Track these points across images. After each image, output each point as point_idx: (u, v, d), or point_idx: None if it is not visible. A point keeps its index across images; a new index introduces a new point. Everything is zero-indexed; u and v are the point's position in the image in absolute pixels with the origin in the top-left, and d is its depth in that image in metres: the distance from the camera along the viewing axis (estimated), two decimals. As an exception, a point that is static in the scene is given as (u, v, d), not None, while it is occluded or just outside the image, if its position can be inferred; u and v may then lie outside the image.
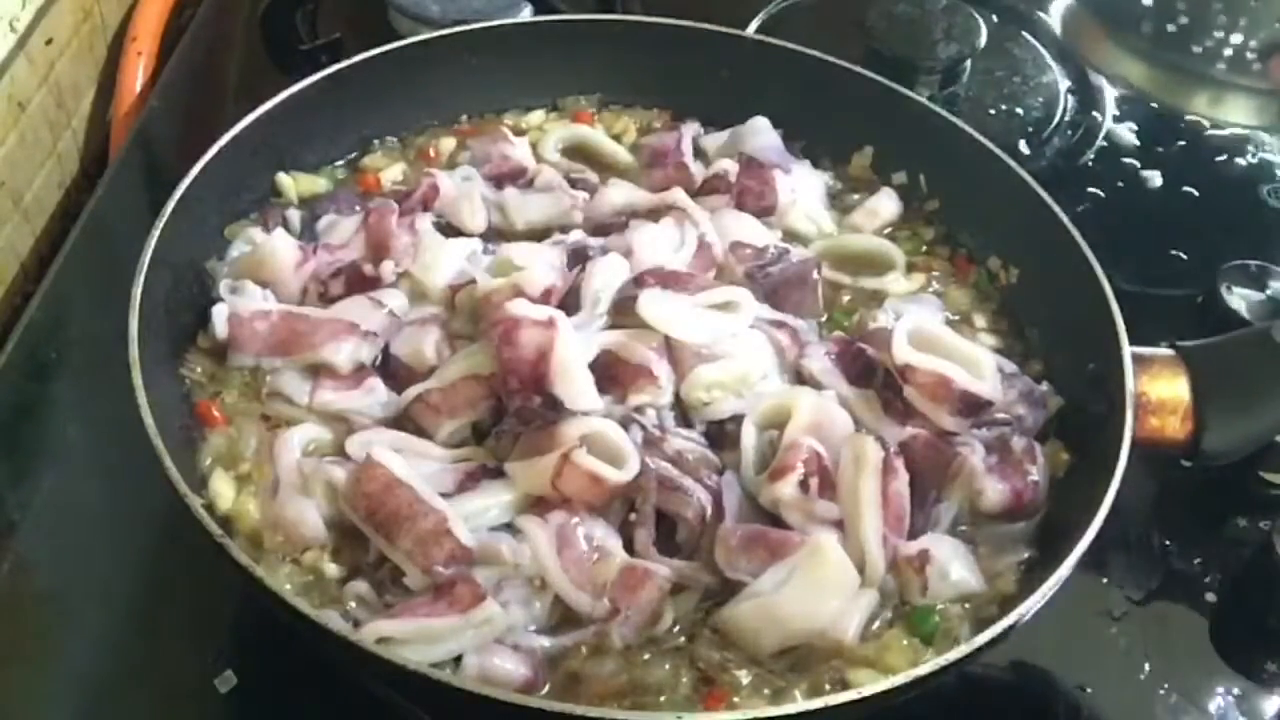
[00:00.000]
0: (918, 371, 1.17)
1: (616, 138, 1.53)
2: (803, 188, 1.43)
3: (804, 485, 1.09)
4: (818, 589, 1.05)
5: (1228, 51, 1.50)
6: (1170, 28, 1.52)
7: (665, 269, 1.22)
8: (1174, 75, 1.59)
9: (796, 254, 1.32)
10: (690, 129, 1.50)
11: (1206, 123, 1.62)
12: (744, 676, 1.05)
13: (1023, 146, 1.71)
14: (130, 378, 1.08)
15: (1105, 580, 1.28)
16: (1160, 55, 1.58)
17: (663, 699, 1.04)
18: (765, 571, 1.06)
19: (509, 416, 1.12)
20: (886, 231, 1.45)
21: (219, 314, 1.21)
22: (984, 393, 1.18)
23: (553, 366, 1.10)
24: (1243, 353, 1.22)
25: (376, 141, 1.49)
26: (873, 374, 1.21)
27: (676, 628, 1.08)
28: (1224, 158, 1.73)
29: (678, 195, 1.34)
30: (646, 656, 1.06)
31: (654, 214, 1.32)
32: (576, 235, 1.30)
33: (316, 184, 1.43)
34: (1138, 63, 1.61)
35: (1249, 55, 1.48)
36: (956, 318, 1.37)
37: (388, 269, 1.27)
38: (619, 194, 1.38)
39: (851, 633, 1.05)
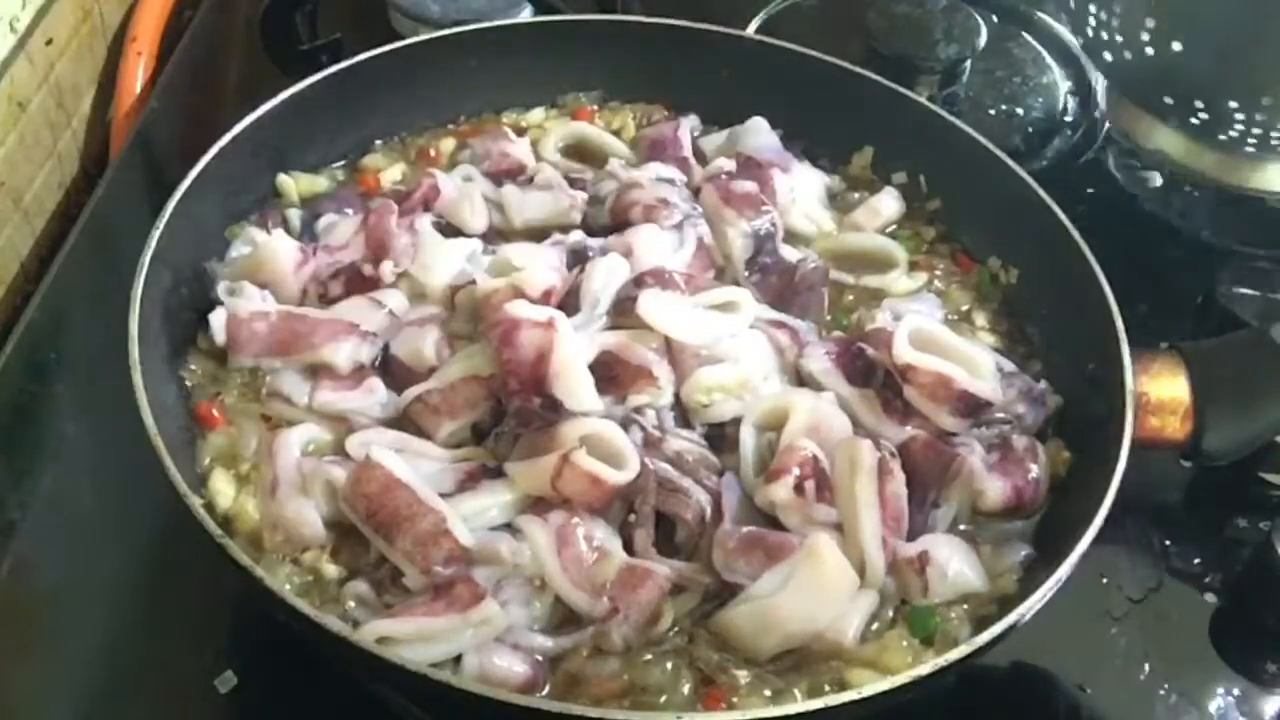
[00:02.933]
0: (918, 371, 1.17)
1: (616, 133, 1.53)
2: (801, 187, 1.43)
3: (799, 488, 1.09)
4: (816, 592, 1.05)
5: (1252, 141, 1.53)
6: (1194, 120, 1.55)
7: (665, 269, 1.22)
8: (1212, 153, 1.61)
9: (811, 260, 1.32)
10: (689, 121, 1.50)
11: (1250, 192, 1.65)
12: (743, 677, 1.05)
13: (1022, 146, 1.71)
14: (130, 378, 1.08)
15: (1105, 580, 1.28)
16: (1194, 138, 1.61)
17: (663, 699, 1.04)
18: (763, 574, 1.06)
19: (509, 417, 1.12)
20: (888, 231, 1.45)
21: (217, 320, 1.21)
22: (984, 393, 1.18)
23: (552, 367, 1.10)
24: (1243, 353, 1.22)
25: (377, 141, 1.49)
26: (872, 374, 1.21)
27: (676, 628, 1.08)
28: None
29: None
30: (647, 657, 1.06)
31: (653, 213, 1.32)
32: (576, 235, 1.30)
33: (316, 184, 1.43)
34: (1177, 140, 1.64)
35: (1274, 142, 1.51)
36: (955, 317, 1.37)
37: (387, 269, 1.27)
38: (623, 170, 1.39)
39: (850, 634, 1.05)
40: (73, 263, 1.49)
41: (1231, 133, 1.53)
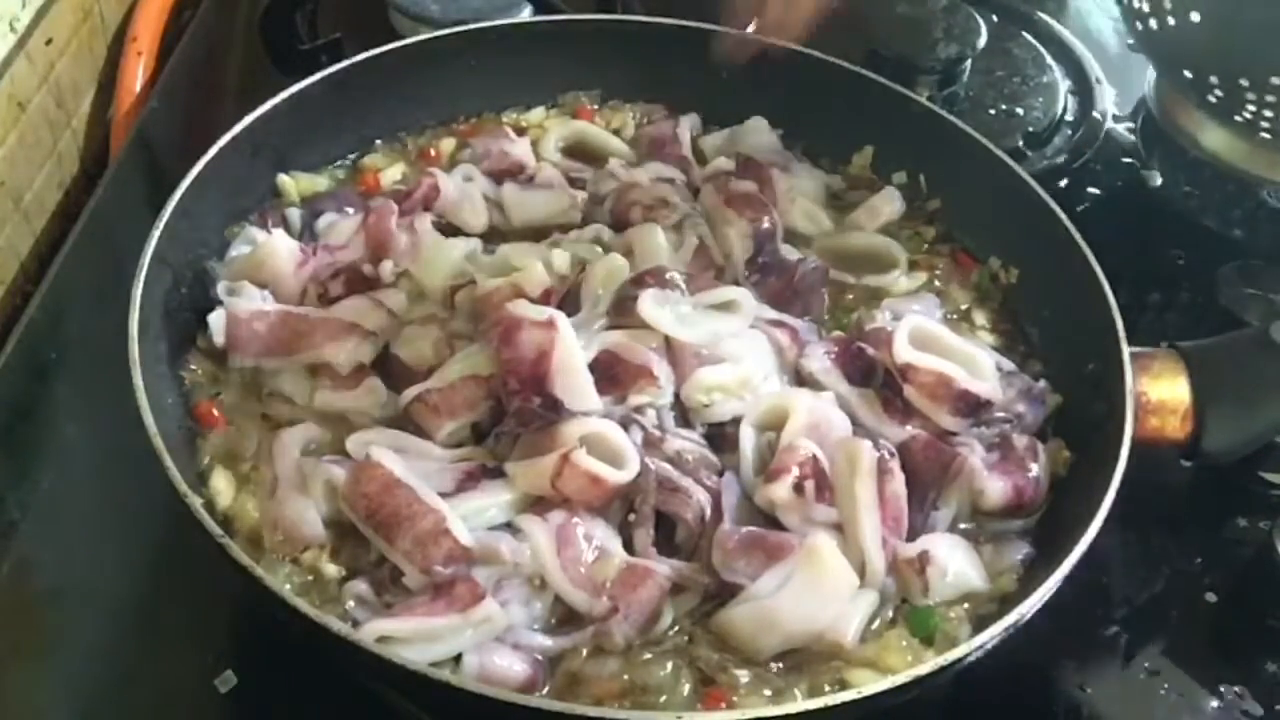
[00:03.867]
0: (918, 371, 1.17)
1: (616, 133, 1.53)
2: (801, 187, 1.43)
3: (799, 488, 1.09)
4: (816, 592, 1.05)
5: (1265, 124, 1.52)
6: (1210, 99, 1.54)
7: (665, 269, 1.22)
8: (1240, 141, 1.61)
9: (811, 260, 1.32)
10: (689, 120, 1.50)
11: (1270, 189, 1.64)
12: (743, 677, 1.05)
13: (1023, 146, 1.71)
14: (130, 378, 1.08)
15: (1105, 580, 1.28)
16: (1220, 122, 1.61)
17: (663, 699, 1.04)
18: (763, 574, 1.06)
19: (509, 417, 1.12)
20: (888, 230, 1.45)
21: (216, 320, 1.21)
22: (983, 392, 1.18)
23: (552, 367, 1.10)
24: (1243, 353, 1.22)
25: (377, 141, 1.49)
26: (872, 374, 1.21)
27: (676, 628, 1.08)
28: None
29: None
30: (647, 657, 1.06)
31: (653, 213, 1.32)
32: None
33: (316, 184, 1.43)
34: (1208, 125, 1.64)
35: None
36: (955, 317, 1.37)
37: (387, 269, 1.27)
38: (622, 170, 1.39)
39: (850, 635, 1.05)
40: (73, 263, 1.49)
41: (1245, 114, 1.52)
